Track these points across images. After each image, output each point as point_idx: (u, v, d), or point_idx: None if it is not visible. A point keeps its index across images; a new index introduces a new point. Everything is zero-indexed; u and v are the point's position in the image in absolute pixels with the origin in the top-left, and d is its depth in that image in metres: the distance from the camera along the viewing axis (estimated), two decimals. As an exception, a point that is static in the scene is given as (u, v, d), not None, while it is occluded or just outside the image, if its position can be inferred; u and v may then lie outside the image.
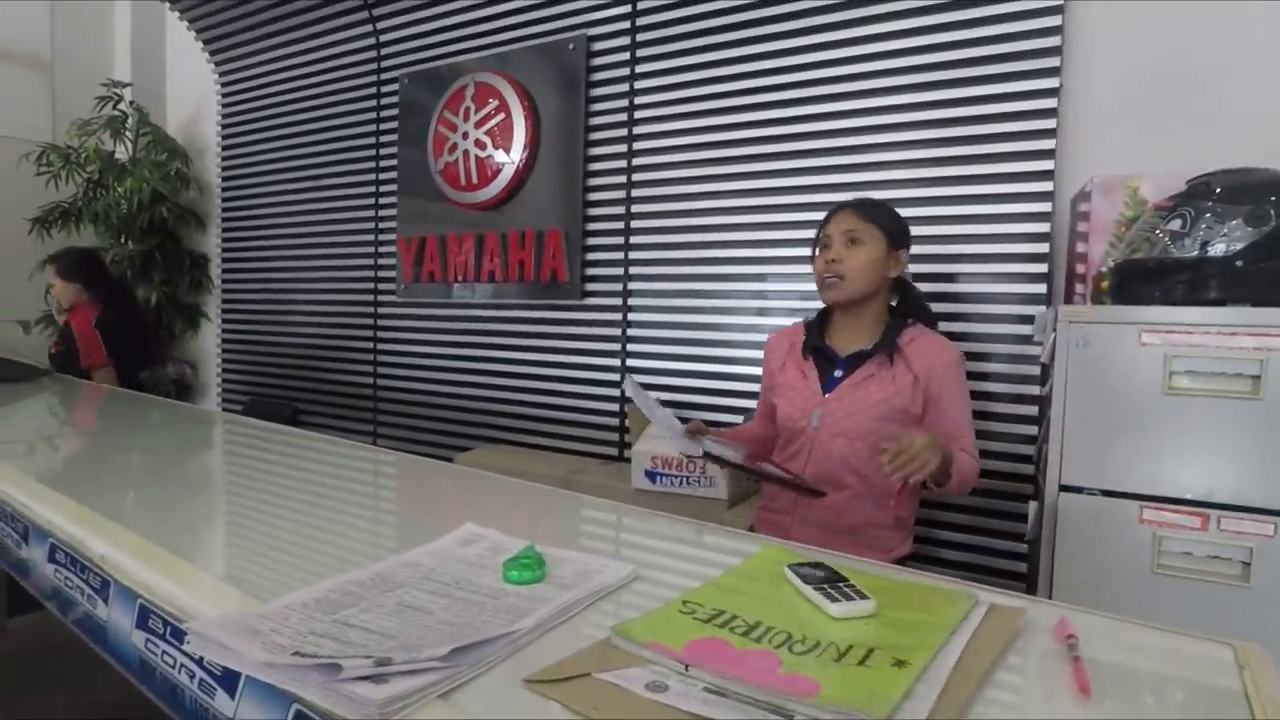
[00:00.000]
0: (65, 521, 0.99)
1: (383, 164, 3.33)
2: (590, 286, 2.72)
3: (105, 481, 1.30)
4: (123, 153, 4.13)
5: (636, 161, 2.60)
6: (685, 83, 2.49)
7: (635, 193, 2.61)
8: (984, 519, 2.03)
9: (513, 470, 2.04)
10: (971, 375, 2.02)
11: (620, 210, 2.65)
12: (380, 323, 3.38)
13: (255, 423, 1.88)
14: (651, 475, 2.14)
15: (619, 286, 2.65)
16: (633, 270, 2.63)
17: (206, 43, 4.00)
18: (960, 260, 2.05)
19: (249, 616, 0.67)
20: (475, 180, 2.91)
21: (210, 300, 4.29)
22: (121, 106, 4.10)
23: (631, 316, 2.64)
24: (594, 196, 2.71)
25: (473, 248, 2.97)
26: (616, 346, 2.66)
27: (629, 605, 0.75)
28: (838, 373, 1.46)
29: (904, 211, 2.00)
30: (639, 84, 2.60)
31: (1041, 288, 1.94)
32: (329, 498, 1.19)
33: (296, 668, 0.57)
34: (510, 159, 2.82)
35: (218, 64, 4.03)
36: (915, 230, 2.06)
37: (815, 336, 1.51)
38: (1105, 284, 1.48)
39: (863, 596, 0.71)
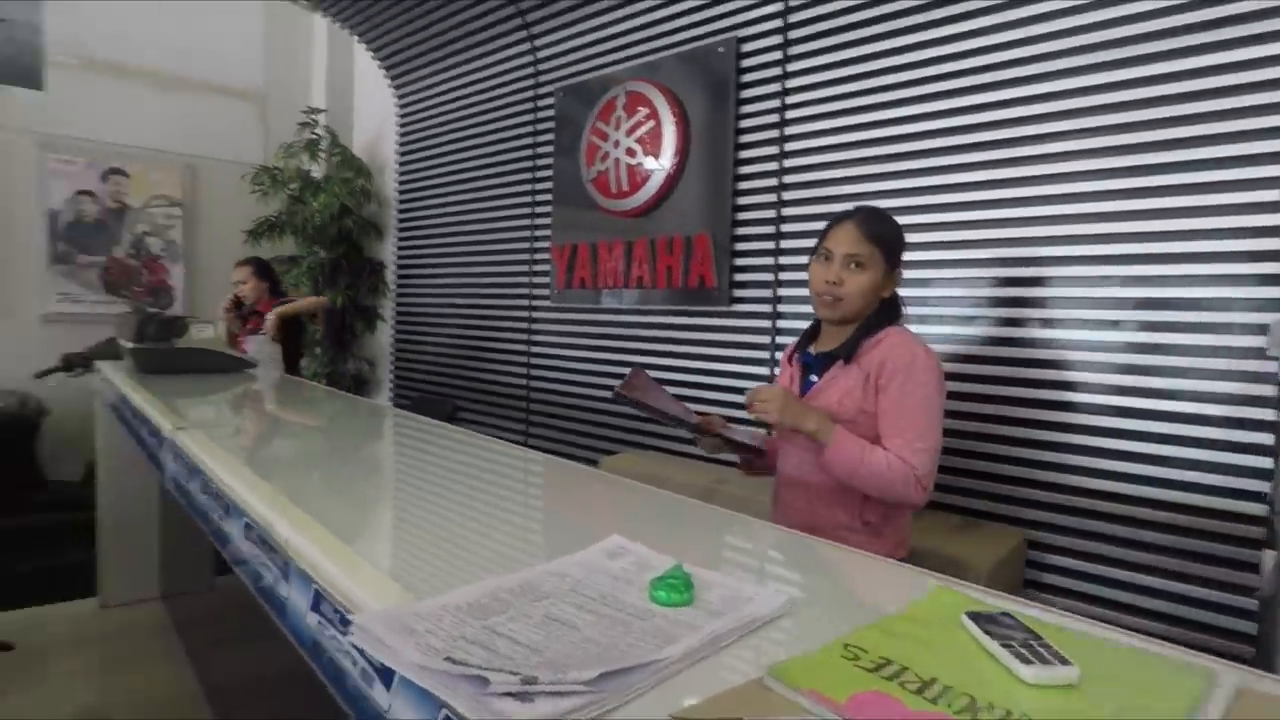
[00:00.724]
0: (258, 503, 1.07)
1: (539, 174, 3.46)
2: (739, 293, 2.67)
3: (292, 466, 1.41)
4: (318, 171, 4.58)
5: (788, 163, 2.52)
6: (840, 79, 2.38)
7: (786, 195, 2.52)
8: (1201, 565, 1.76)
9: (656, 478, 2.03)
10: (1179, 396, 1.78)
11: (770, 214, 2.57)
12: (534, 327, 3.51)
13: (419, 419, 1.99)
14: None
15: (769, 293, 2.58)
16: (783, 276, 2.54)
17: (388, 68, 4.34)
18: (1168, 261, 1.80)
19: (406, 614, 0.68)
20: (625, 187, 2.94)
21: (385, 303, 4.65)
22: (317, 130, 4.55)
23: (781, 324, 2.55)
24: (743, 201, 2.65)
25: (622, 254, 3.00)
26: (765, 355, 2.58)
27: (782, 642, 0.70)
28: (813, 377, 1.51)
29: (1089, 208, 1.79)
30: (791, 83, 2.51)
31: (1277, 291, 1.66)
32: (483, 497, 1.22)
33: (448, 674, 0.57)
34: (660, 165, 2.82)
35: (396, 87, 4.37)
36: (1105, 229, 1.85)
37: (804, 342, 1.56)
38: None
39: (1062, 660, 0.61)
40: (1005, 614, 0.70)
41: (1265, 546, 1.59)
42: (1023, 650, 0.62)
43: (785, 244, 2.54)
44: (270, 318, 3.20)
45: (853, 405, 1.40)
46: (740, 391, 2.65)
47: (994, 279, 2.06)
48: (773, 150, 2.56)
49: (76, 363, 3.53)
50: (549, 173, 3.39)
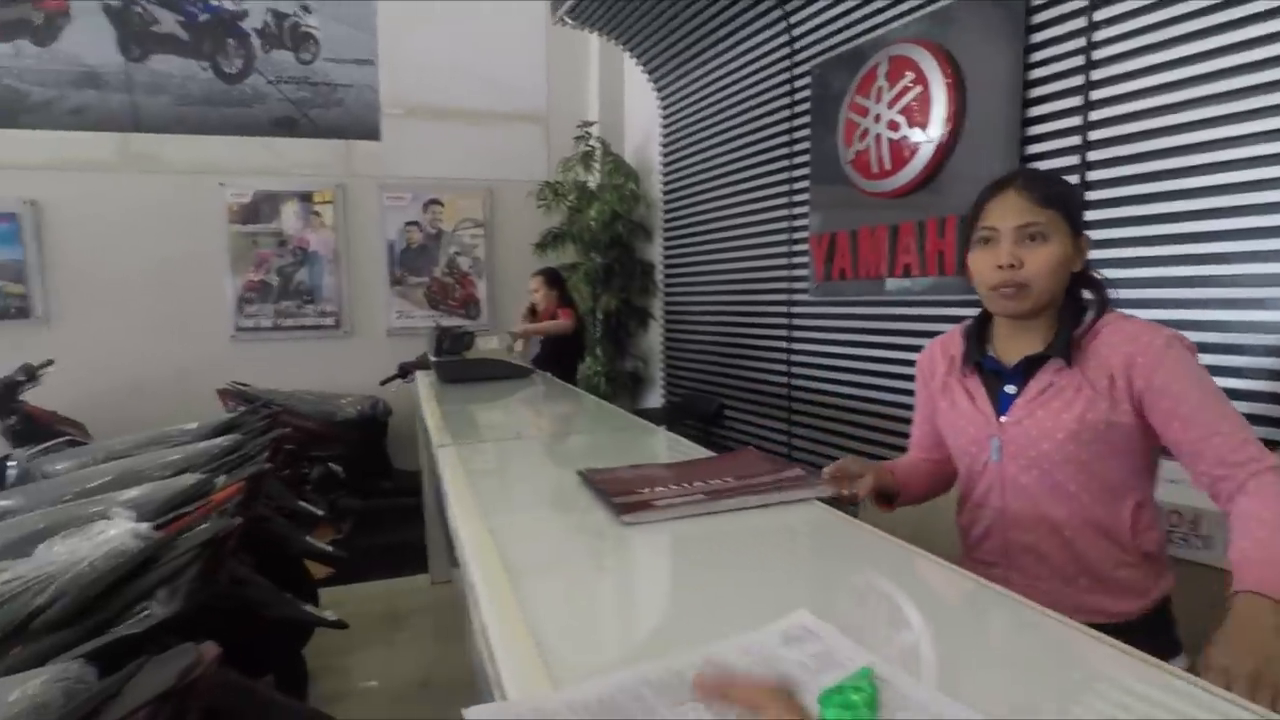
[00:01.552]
0: (468, 541, 1.09)
1: (795, 160, 3.26)
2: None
3: (522, 495, 1.45)
4: (592, 181, 4.87)
5: (1095, 115, 2.01)
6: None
7: (1093, 155, 2.02)
8: None
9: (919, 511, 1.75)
10: None
11: (1072, 179, 2.09)
12: (794, 321, 3.33)
13: (674, 440, 1.94)
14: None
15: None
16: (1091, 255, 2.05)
17: (650, 71, 4.45)
18: None
19: (518, 712, 0.60)
20: (888, 166, 2.63)
21: (655, 303, 4.80)
22: (591, 142, 4.83)
23: (1088, 313, 2.06)
24: (1038, 165, 2.19)
25: (886, 240, 2.70)
26: (1066, 350, 2.12)
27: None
28: (1009, 388, 1.19)
29: None
30: (1100, 14, 2.00)
31: None
32: (695, 552, 1.12)
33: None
34: (928, 137, 2.46)
35: (659, 89, 4.46)
36: None
37: (976, 348, 1.23)
38: None
39: None
40: None
41: None
42: None
43: (1094, 214, 2.04)
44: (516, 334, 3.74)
45: (1094, 418, 1.10)
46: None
47: None
48: (1076, 102, 2.07)
49: (408, 370, 4.19)
50: (805, 159, 3.17)
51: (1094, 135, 2.01)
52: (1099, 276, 1.19)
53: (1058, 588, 1.15)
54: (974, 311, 2.40)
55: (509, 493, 1.41)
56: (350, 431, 4.42)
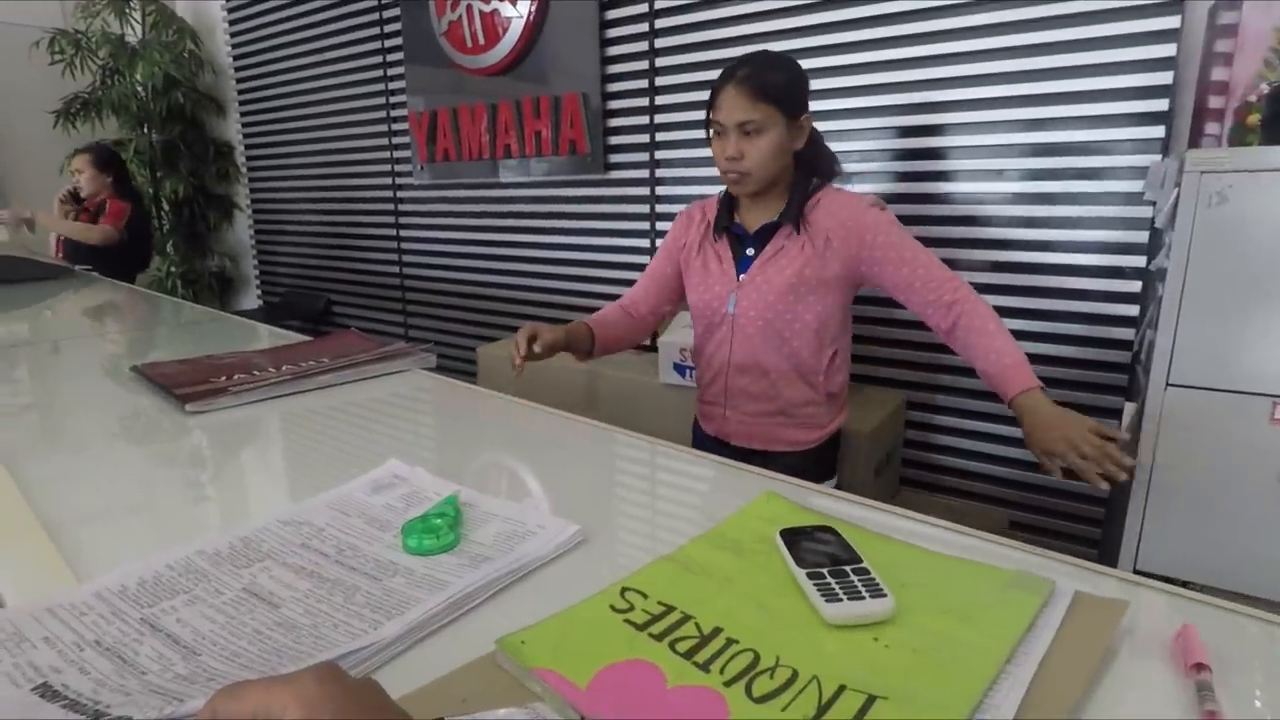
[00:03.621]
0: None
1: (387, 29, 3.01)
2: (614, 158, 2.42)
3: (52, 398, 1.17)
4: (132, 36, 3.91)
5: (661, 4, 2.22)
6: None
7: (661, 43, 2.24)
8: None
9: (537, 371, 1.85)
10: (1056, 247, 1.71)
11: (643, 66, 2.29)
12: (401, 208, 3.18)
13: (276, 334, 1.73)
14: (680, 369, 1.93)
15: (645, 157, 2.35)
16: (660, 137, 2.31)
17: (197, -99, 3.64)
18: (1050, 102, 1.67)
19: (27, 613, 0.49)
20: (482, 41, 2.58)
21: (240, 190, 4.16)
22: (123, -17, 3.83)
23: (661, 191, 2.34)
24: (614, 51, 2.35)
25: (485, 119, 2.68)
26: (645, 225, 2.39)
27: (556, 589, 0.56)
28: (749, 251, 1.35)
29: (978, 44, 1.63)
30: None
31: (1158, 130, 1.56)
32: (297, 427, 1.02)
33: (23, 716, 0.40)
34: (517, 11, 2.46)
35: (212, -74, 3.68)
36: (993, 67, 1.69)
37: (725, 215, 1.38)
38: (1254, 118, 1.12)
39: (875, 592, 0.48)
40: (824, 529, 0.58)
41: (1124, 398, 1.58)
42: (832, 581, 0.50)
43: (661, 100, 2.28)
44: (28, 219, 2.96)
45: (810, 273, 1.28)
46: (620, 266, 2.47)
47: (894, 129, 1.90)
48: (642, -10, 2.25)
49: None
50: (397, 28, 2.95)
51: (661, 24, 2.22)
52: (822, 149, 1.36)
53: (761, 422, 1.36)
54: (571, 192, 2.56)
55: (37, 410, 1.12)
56: None
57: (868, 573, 0.50)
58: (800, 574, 0.51)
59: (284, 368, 1.16)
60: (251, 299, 4.26)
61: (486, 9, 2.54)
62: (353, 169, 3.35)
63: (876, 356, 1.99)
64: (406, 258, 3.21)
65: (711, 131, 1.31)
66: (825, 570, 0.51)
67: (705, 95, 2.15)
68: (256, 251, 4.11)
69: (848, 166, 1.95)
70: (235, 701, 0.31)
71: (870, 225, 1.26)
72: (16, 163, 4.05)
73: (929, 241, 1.84)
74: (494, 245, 2.84)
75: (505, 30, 2.51)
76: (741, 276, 1.35)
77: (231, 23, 3.80)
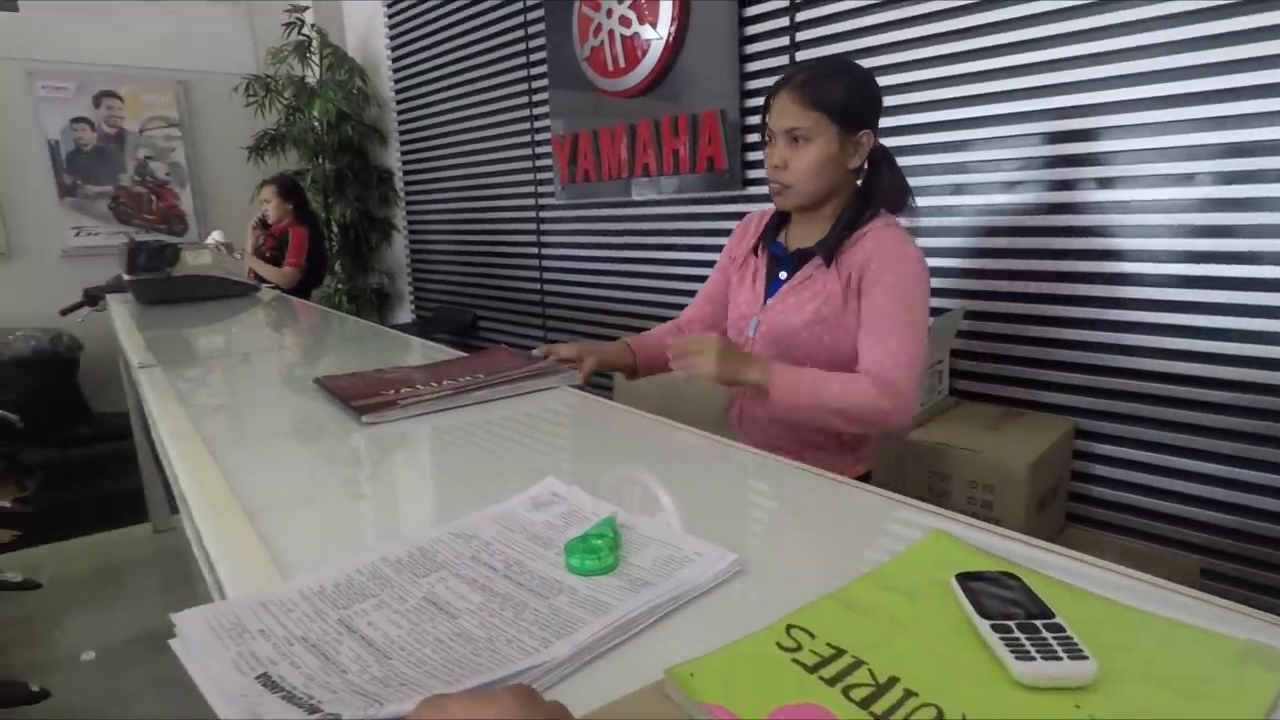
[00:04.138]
0: (176, 456, 0.96)
1: (533, 58, 3.16)
2: (752, 174, 2.41)
3: (234, 410, 1.30)
4: (311, 77, 4.33)
5: (802, 16, 2.19)
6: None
7: (802, 56, 2.21)
8: (1270, 449, 1.55)
9: (667, 385, 1.87)
10: (1261, 259, 1.52)
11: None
12: (543, 227, 3.31)
13: (429, 347, 1.86)
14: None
15: (786, 172, 2.31)
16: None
17: (368, -49, 3.99)
18: (1251, 95, 1.49)
19: (246, 607, 0.55)
20: (622, 64, 2.65)
21: (398, 213, 4.49)
22: (305, 31, 4.26)
23: (801, 206, 2.30)
24: (753, 67, 2.34)
25: (625, 140, 2.75)
26: (784, 241, 2.35)
27: (715, 620, 0.55)
28: (782, 274, 1.28)
29: (1149, 37, 1.49)
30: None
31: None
32: (445, 435, 1.09)
33: (249, 702, 0.44)
34: (657, 34, 2.51)
35: (380, -28, 4.02)
36: (1170, 62, 1.54)
37: (771, 231, 1.32)
38: None
39: (1074, 652, 0.44)
40: (1007, 576, 0.54)
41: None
42: (1021, 636, 0.46)
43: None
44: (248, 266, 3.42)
45: (827, 313, 1.21)
46: (759, 283, 2.45)
47: (1042, 135, 1.77)
48: (784, 3, 2.23)
49: (97, 296, 3.52)
50: (542, 55, 3.09)
51: (801, 36, 2.19)
52: (889, 179, 1.24)
53: (775, 452, 1.31)
54: (708, 209, 2.57)
55: (230, 413, 1.26)
56: (25, 372, 3.66)
57: (1062, 629, 0.46)
58: (983, 625, 0.48)
59: (444, 383, 1.23)
60: (406, 313, 4.57)
61: (627, 33, 2.61)
62: (499, 190, 3.54)
63: (1041, 379, 1.85)
64: (547, 275, 3.34)
65: (765, 138, 1.25)
66: (1012, 623, 0.47)
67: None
68: (411, 269, 4.42)
69: (991, 177, 1.83)
70: (440, 713, 0.33)
71: (888, 265, 1.16)
72: (217, 193, 4.59)
73: (1090, 254, 1.71)
74: (631, 262, 2.90)
75: (645, 53, 2.56)
76: (768, 301, 1.28)
77: (394, 60, 4.13)
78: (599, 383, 1.53)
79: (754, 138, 2.38)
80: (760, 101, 2.28)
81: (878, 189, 1.24)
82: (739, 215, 2.45)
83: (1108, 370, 1.74)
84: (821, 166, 1.18)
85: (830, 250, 1.21)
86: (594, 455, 1.02)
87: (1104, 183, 1.70)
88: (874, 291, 1.17)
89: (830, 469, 0.87)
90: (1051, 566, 0.60)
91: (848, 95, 1.17)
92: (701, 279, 2.61)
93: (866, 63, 2.03)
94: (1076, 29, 1.67)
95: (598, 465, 0.97)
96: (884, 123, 1.99)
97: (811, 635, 0.50)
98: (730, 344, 1.23)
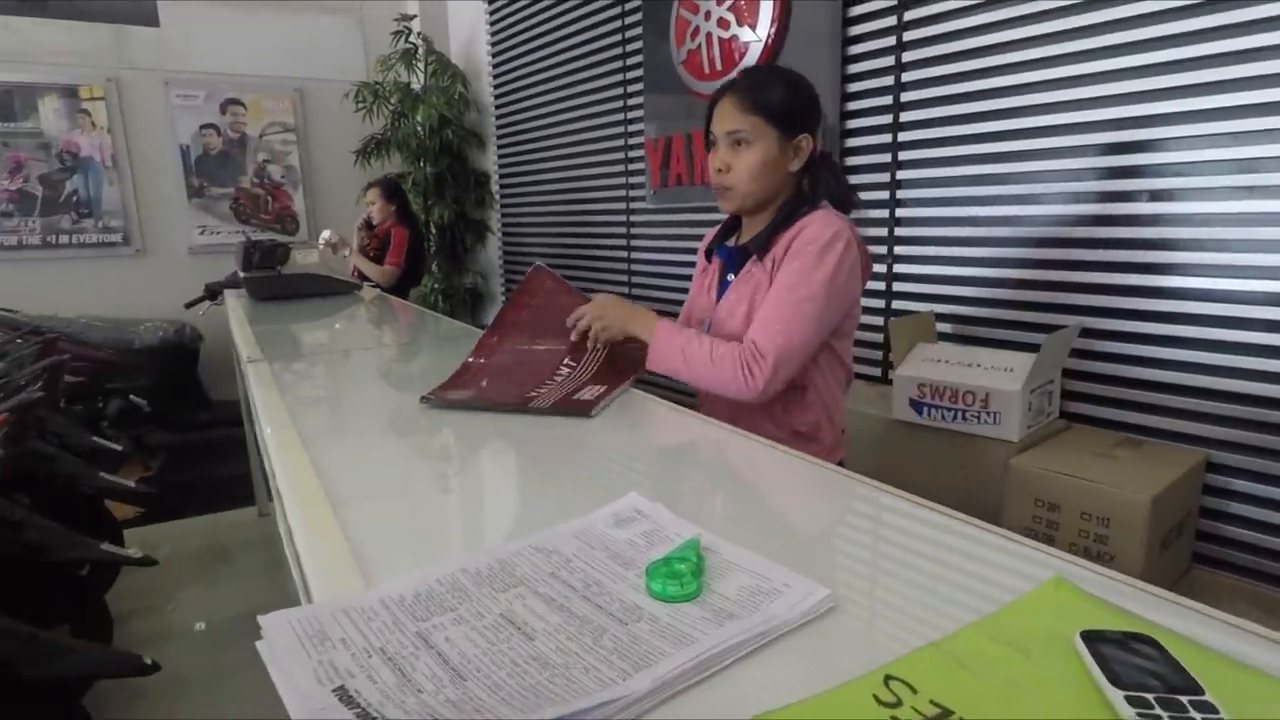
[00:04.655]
0: (274, 449, 1.00)
1: (629, 62, 3.17)
2: (851, 179, 2.32)
3: (334, 405, 1.35)
4: (416, 83, 4.50)
5: (910, 15, 2.09)
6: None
7: (909, 56, 2.11)
8: None
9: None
10: None
11: (888, 81, 2.18)
12: (633, 230, 3.31)
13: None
14: (918, 406, 1.79)
15: (885, 178, 2.22)
16: (903, 156, 2.17)
17: (474, -39, 4.10)
18: None
19: (329, 613, 0.55)
20: (719, 66, 2.61)
21: (492, 215, 4.60)
22: (412, 39, 4.42)
23: (901, 213, 2.20)
24: (855, 69, 2.26)
25: (719, 144, 2.70)
26: (883, 250, 2.26)
27: (805, 661, 0.51)
28: (730, 275, 1.32)
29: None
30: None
31: None
32: (527, 443, 1.09)
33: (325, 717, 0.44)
34: (756, 36, 2.46)
35: (484, -18, 4.13)
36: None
37: (718, 238, 1.39)
38: None
39: (1227, 736, 0.38)
40: (1142, 639, 0.47)
41: None
42: (1163, 714, 0.40)
43: (908, 116, 2.15)
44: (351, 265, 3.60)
45: (760, 302, 1.23)
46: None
47: (1177, 138, 1.63)
48: (891, 1, 2.14)
49: (217, 291, 3.77)
50: (639, 59, 3.09)
51: (908, 35, 2.10)
52: (828, 179, 1.27)
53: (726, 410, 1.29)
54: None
55: (329, 407, 1.31)
56: (153, 360, 3.95)
57: (1214, 710, 0.40)
58: (1116, 696, 0.42)
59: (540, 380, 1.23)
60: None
61: (725, 35, 2.57)
62: (590, 193, 3.57)
63: (1166, 405, 1.70)
64: (635, 279, 3.34)
65: (708, 145, 1.28)
66: (1151, 696, 0.42)
67: (956, 111, 1.99)
68: (504, 270, 4.51)
69: (1109, 185, 1.69)
70: None
71: (803, 245, 1.18)
72: (326, 194, 4.83)
73: (1215, 269, 1.54)
74: (720, 268, 2.85)
75: (743, 56, 2.52)
76: (719, 301, 1.32)
77: (495, 65, 4.23)
78: (681, 386, 1.48)
79: (854, 141, 2.29)
80: (862, 104, 2.23)
81: (818, 192, 1.28)
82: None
83: (1245, 398, 1.58)
84: (761, 169, 1.21)
85: (763, 244, 1.24)
86: (678, 469, 0.99)
87: (1242, 191, 1.54)
88: (781, 271, 1.20)
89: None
90: (1186, 619, 0.53)
91: (785, 99, 1.20)
92: (793, 287, 2.54)
93: (975, 64, 1.93)
94: None
95: (681, 480, 0.94)
96: (1003, 125, 1.91)
97: (913, 690, 0.45)
98: (622, 301, 1.31)
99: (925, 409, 1.77)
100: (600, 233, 3.53)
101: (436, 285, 4.60)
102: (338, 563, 0.65)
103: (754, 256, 1.26)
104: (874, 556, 0.71)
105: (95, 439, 2.46)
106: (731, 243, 1.36)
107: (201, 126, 4.43)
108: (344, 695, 0.46)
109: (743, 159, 1.21)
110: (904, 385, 1.81)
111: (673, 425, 1.12)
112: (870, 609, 0.59)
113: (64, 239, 4.18)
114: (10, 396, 1.82)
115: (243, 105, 4.52)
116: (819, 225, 1.19)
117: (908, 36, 2.10)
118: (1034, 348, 1.68)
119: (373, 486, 0.88)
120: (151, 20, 4.25)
